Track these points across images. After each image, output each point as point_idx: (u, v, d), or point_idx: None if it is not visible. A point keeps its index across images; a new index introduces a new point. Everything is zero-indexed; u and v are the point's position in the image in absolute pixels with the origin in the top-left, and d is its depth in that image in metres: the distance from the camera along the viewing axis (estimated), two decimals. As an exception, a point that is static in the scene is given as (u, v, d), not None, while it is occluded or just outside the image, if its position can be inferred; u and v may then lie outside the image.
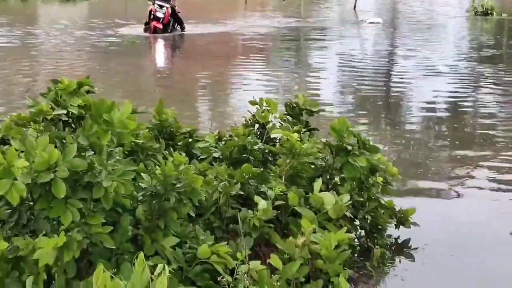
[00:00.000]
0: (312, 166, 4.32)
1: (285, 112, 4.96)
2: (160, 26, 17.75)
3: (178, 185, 3.44)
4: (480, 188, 5.83)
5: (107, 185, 3.08)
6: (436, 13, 25.18)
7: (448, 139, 7.55)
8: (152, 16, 17.79)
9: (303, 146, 4.20)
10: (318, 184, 3.99)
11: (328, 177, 4.33)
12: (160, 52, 15.99)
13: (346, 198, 3.95)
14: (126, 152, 3.95)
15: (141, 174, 3.47)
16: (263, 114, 4.73)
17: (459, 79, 11.26)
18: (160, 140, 4.42)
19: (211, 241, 3.50)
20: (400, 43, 16.53)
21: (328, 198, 3.92)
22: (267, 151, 4.45)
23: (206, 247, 3.39)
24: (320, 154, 4.34)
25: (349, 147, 4.17)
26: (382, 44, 16.68)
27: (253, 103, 4.92)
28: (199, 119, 8.46)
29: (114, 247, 3.21)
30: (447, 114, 8.86)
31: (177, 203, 3.44)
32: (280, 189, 3.94)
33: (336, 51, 15.14)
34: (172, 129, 4.61)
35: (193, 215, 3.58)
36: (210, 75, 11.82)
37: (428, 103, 9.38)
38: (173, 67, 13.59)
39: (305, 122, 4.91)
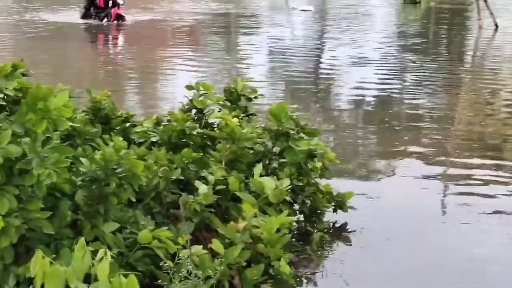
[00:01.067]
0: (252, 151, 4.33)
1: (224, 97, 4.94)
2: (122, 13, 17.14)
3: (119, 170, 3.39)
4: (412, 172, 5.97)
5: (38, 173, 3.01)
6: (367, 2, 25.49)
7: (377, 124, 7.70)
8: (109, 2, 16.99)
9: (242, 131, 4.20)
10: (258, 169, 4.00)
11: (267, 162, 4.35)
12: (94, 39, 15.68)
13: (286, 182, 3.98)
14: (63, 137, 3.87)
15: (80, 159, 3.41)
16: (201, 99, 4.71)
17: (385, 66, 11.46)
18: (96, 124, 4.35)
19: (151, 226, 3.48)
20: (330, 31, 16.68)
21: (268, 183, 3.94)
22: (206, 136, 4.43)
23: (147, 232, 3.37)
24: (259, 139, 4.35)
25: (291, 131, 4.20)
26: (312, 31, 16.81)
27: (189, 87, 4.89)
28: (135, 105, 8.36)
29: (53, 233, 3.15)
30: (375, 100, 9.01)
31: (117, 188, 3.40)
32: (220, 174, 3.93)
33: (267, 37, 15.18)
34: (107, 113, 4.54)
35: (134, 200, 3.54)
36: (143, 62, 11.71)
37: (356, 89, 9.53)
38: (106, 54, 13.37)
39: (243, 107, 4.91)
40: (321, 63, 12.05)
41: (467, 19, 20.33)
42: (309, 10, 20.97)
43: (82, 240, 2.92)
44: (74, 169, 3.44)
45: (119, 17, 17.12)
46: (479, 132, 7.34)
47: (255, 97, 5.06)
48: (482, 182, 5.68)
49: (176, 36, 15.24)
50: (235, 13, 20.45)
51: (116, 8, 17.05)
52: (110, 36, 15.91)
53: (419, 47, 14.06)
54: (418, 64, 11.76)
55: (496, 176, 5.87)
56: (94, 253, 2.90)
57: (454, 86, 10.03)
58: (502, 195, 5.40)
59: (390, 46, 14.19)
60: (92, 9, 17.24)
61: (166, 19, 17.14)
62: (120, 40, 15.41)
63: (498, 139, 7.11)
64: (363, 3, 24.74)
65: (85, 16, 17.33)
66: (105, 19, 17.02)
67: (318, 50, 13.59)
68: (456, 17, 20.98)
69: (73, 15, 17.67)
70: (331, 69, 11.20)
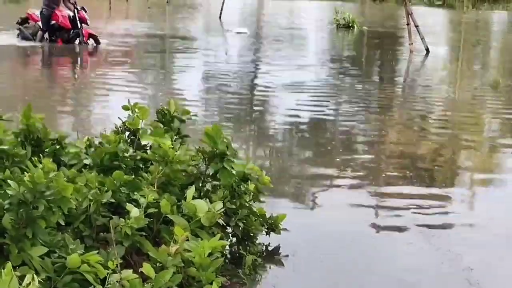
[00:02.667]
0: (185, 174, 4.32)
1: (156, 119, 4.92)
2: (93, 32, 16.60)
3: (48, 192, 3.34)
4: (343, 193, 6.06)
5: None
6: (301, 25, 25.84)
7: (311, 147, 7.79)
8: (78, 21, 16.31)
9: (175, 153, 4.19)
10: (191, 191, 3.99)
11: (200, 184, 4.34)
12: (27, 60, 15.37)
13: (219, 205, 3.97)
14: (-10, 159, 3.79)
15: (8, 181, 3.34)
16: (133, 120, 4.68)
17: (319, 89, 11.60)
18: (27, 146, 4.27)
19: (81, 250, 3.42)
20: (264, 54, 16.81)
21: (201, 206, 3.92)
22: (139, 158, 4.40)
23: (76, 256, 3.31)
24: (192, 162, 4.34)
25: (227, 152, 4.20)
26: (247, 54, 16.90)
27: (126, 108, 4.86)
28: (68, 127, 8.24)
29: (-22, 258, 3.08)
30: (308, 122, 9.09)
31: (46, 211, 3.34)
32: (152, 197, 3.91)
33: (202, 61, 15.23)
34: (39, 135, 4.46)
35: (63, 223, 3.48)
36: (77, 83, 11.58)
37: (290, 112, 9.60)
38: (39, 75, 13.14)
39: (176, 129, 4.90)
40: (255, 85, 12.11)
41: (399, 44, 20.77)
42: (244, 33, 21.11)
43: (9, 264, 2.86)
44: (1, 192, 3.36)
45: (92, 37, 16.53)
46: (409, 154, 7.49)
47: (189, 118, 5.06)
48: (413, 202, 5.79)
49: (112, 59, 15.11)
50: (169, 34, 20.44)
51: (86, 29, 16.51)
52: (45, 58, 15.67)
53: (352, 71, 14.31)
54: (350, 88, 11.95)
55: (424, 197, 6.00)
56: (21, 278, 2.84)
57: (386, 109, 10.22)
58: (430, 214, 5.54)
59: (323, 70, 14.39)
60: (44, 29, 16.47)
61: (101, 41, 16.95)
62: (48, 61, 15.18)
63: (427, 162, 7.27)
64: (298, 26, 25.08)
65: (27, 36, 16.63)
66: (77, 40, 16.44)
67: (252, 73, 13.66)
68: (388, 41, 21.41)
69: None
70: (265, 92, 11.26)
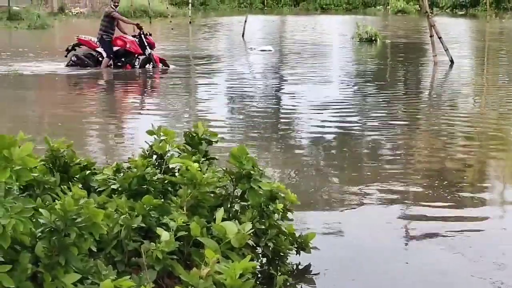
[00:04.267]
0: (213, 196, 4.33)
1: (184, 142, 4.95)
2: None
3: (79, 219, 3.37)
4: (374, 210, 6.01)
5: (5, 223, 2.98)
6: (324, 41, 25.87)
7: (338, 164, 7.77)
8: (145, 44, 16.46)
9: (203, 175, 4.21)
10: (220, 213, 4.00)
11: (229, 205, 4.35)
12: (43, 87, 15.56)
13: (248, 226, 3.97)
14: (22, 187, 3.84)
15: (40, 209, 3.38)
16: (160, 144, 4.71)
17: (345, 104, 11.59)
18: (55, 173, 4.32)
19: (113, 276, 3.44)
20: (289, 71, 16.83)
21: (231, 227, 3.93)
22: (166, 181, 4.43)
23: (108, 282, 3.33)
24: (220, 183, 4.36)
25: (253, 172, 4.21)
26: (272, 72, 16.94)
27: (150, 133, 4.89)
28: (95, 153, 8.31)
29: (13, 287, 3.11)
30: (336, 138, 9.07)
31: (77, 238, 3.37)
32: (182, 220, 3.92)
33: (227, 81, 15.31)
34: (66, 160, 4.51)
35: (95, 249, 3.51)
36: (101, 107, 11.68)
37: (316, 129, 9.59)
38: (59, 101, 13.26)
39: (204, 151, 4.92)
40: (281, 104, 12.13)
41: (422, 56, 20.72)
42: (269, 51, 21.18)
43: (42, 293, 2.89)
44: (33, 221, 3.40)
45: (162, 61, 16.74)
46: (439, 169, 7.44)
47: (216, 141, 5.08)
48: (444, 218, 5.74)
49: (135, 79, 15.24)
50: (193, 54, 20.58)
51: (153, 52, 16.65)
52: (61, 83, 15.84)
53: (376, 85, 14.27)
54: (375, 103, 11.92)
55: (455, 210, 5.95)
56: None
57: (412, 123, 10.17)
58: (464, 231, 5.47)
59: (348, 85, 14.38)
60: (111, 55, 16.45)
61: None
62: (70, 86, 15.33)
63: (456, 176, 7.21)
64: (321, 42, 25.11)
65: (86, 63, 16.61)
66: (149, 65, 16.63)
67: (278, 92, 13.69)
68: (412, 54, 21.37)
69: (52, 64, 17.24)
70: (291, 110, 11.28)
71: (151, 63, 16.67)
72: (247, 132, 9.60)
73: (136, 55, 16.71)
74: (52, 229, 3.36)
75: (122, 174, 4.47)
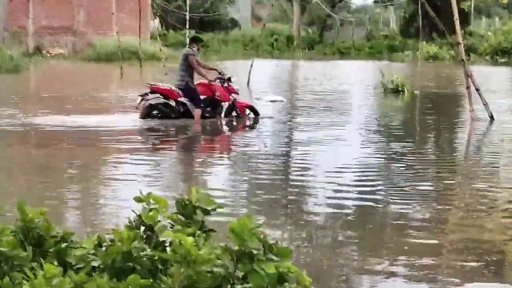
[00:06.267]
0: (210, 275, 4.33)
1: (176, 211, 4.97)
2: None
3: (52, 302, 3.38)
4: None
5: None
6: (343, 91, 26.05)
7: (359, 239, 7.73)
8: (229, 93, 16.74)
9: (199, 252, 4.22)
10: (218, 297, 4.00)
11: (229, 287, 4.35)
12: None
13: (250, 314, 3.97)
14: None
15: (7, 290, 3.39)
16: (150, 214, 4.73)
17: (365, 168, 11.60)
18: (27, 246, 4.33)
19: None
20: (301, 127, 16.88)
21: (230, 314, 3.93)
22: (156, 258, 4.43)
23: None
24: (219, 261, 4.36)
25: (255, 252, 4.21)
26: (283, 126, 17.01)
27: (139, 200, 4.91)
28: (74, 222, 8.34)
29: None
30: (356, 208, 9.05)
31: (49, 325, 3.38)
32: (173, 304, 3.93)
33: (231, 138, 15.43)
34: (40, 232, 4.53)
35: None
36: (84, 169, 11.75)
37: (332, 196, 9.59)
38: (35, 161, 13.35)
39: (200, 222, 4.93)
40: (293, 165, 12.18)
41: (458, 111, 20.84)
42: (280, 101, 21.33)
43: None
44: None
45: (249, 108, 17.15)
46: (475, 248, 7.41)
47: (214, 210, 5.09)
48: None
49: (122, 143, 15.33)
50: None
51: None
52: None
53: (403, 144, 14.29)
54: (401, 167, 11.88)
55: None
56: None
57: (444, 191, 10.15)
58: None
59: (369, 144, 14.42)
60: (201, 105, 16.51)
61: (112, 124, 17.21)
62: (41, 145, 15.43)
63: (496, 255, 7.19)
64: (339, 92, 25.29)
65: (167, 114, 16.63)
66: (234, 113, 16.97)
67: (289, 150, 13.75)
68: (445, 108, 21.45)
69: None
70: (304, 174, 11.29)
71: (235, 111, 17.01)
72: (252, 198, 9.62)
73: (221, 103, 16.98)
74: (21, 314, 3.37)
75: (104, 249, 4.48)
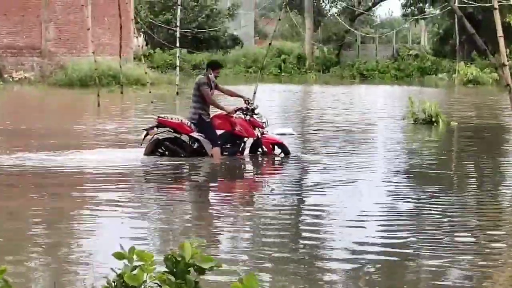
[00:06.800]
0: None
1: (165, 270, 4.98)
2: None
3: None
4: None
5: None
6: (364, 122, 26.02)
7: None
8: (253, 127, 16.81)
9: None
10: None
11: None
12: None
13: None
14: None
15: None
16: (134, 273, 4.74)
17: (391, 219, 11.54)
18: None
19: None
20: (317, 165, 16.87)
21: None
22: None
23: None
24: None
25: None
26: (291, 168, 16.99)
27: (119, 256, 4.92)
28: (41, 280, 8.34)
29: None
30: (379, 267, 9.01)
31: None
32: None
33: (230, 181, 15.45)
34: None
35: None
36: (51, 216, 11.74)
37: (353, 251, 9.55)
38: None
39: (193, 283, 4.94)
40: (304, 214, 12.16)
41: (503, 144, 20.79)
42: (290, 134, 21.34)
43: None
44: None
45: (278, 145, 17.24)
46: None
47: (211, 268, 5.09)
48: None
49: (92, 189, 15.33)
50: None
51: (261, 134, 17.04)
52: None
53: (438, 186, 14.22)
54: (435, 211, 11.85)
55: None
56: None
57: (488, 242, 10.11)
58: None
59: (397, 187, 14.37)
60: (218, 142, 16.56)
61: (81, 165, 17.23)
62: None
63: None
64: (359, 123, 25.27)
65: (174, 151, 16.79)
66: (260, 151, 17.10)
67: (301, 196, 13.74)
68: (489, 143, 21.38)
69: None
70: (318, 224, 11.27)
71: (261, 148, 17.14)
72: (256, 255, 9.59)
73: (243, 139, 17.06)
74: None
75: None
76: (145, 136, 16.96)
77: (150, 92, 33.56)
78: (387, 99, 37.50)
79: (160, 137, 16.93)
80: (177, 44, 38.34)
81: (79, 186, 14.26)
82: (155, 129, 16.83)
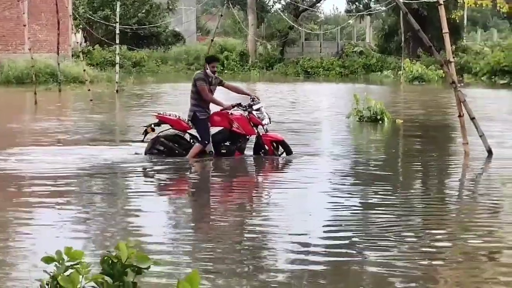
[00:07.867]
0: None
1: (102, 271, 4.94)
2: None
3: None
4: None
5: None
6: (307, 121, 26.05)
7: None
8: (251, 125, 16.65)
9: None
10: None
11: None
12: None
13: None
14: None
15: None
16: (69, 275, 4.69)
17: (335, 221, 11.60)
18: None
19: None
20: (266, 168, 16.88)
21: None
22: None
23: None
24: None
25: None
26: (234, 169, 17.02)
27: (49, 260, 4.85)
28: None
29: None
30: (320, 264, 9.06)
31: None
32: None
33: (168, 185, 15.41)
34: None
35: None
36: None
37: (299, 251, 9.58)
38: None
39: (131, 284, 4.91)
40: (250, 216, 12.17)
41: (449, 143, 20.94)
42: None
43: None
44: None
45: (281, 144, 17.09)
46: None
47: (148, 268, 5.06)
48: None
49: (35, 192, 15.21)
50: (121, 138, 20.63)
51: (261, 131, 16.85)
52: None
53: (382, 187, 14.23)
54: (379, 214, 11.85)
55: None
56: None
57: (433, 242, 10.18)
58: None
59: (341, 187, 14.40)
60: (205, 139, 16.39)
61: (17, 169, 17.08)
62: None
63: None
64: (302, 122, 25.27)
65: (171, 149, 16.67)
66: (262, 152, 16.87)
67: (245, 198, 13.73)
68: (434, 140, 21.52)
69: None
70: (264, 225, 11.30)
71: (262, 148, 16.96)
72: (198, 253, 9.59)
73: (244, 137, 16.92)
74: None
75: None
76: (145, 134, 17.02)
77: (89, 90, 33.20)
78: (332, 96, 37.60)
79: (161, 134, 16.96)
80: (117, 41, 38.22)
81: (14, 188, 14.11)
82: (153, 125, 16.90)
